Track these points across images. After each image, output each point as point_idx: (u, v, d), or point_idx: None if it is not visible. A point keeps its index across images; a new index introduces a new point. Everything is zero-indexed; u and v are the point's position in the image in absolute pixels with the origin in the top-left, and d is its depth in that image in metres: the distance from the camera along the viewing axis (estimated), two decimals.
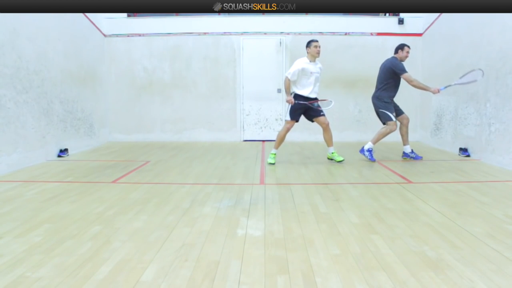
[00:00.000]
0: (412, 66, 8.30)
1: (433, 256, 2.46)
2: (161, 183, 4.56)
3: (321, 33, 8.25)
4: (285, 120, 5.74)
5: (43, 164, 5.69)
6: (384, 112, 5.89)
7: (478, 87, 6.01)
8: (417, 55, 8.29)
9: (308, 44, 5.57)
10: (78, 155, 6.62)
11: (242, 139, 8.46)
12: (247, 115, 8.45)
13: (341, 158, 5.75)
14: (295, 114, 5.62)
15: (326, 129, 5.70)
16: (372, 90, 8.29)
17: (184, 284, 2.13)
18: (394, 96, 6.06)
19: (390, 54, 8.23)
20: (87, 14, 7.41)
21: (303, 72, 5.48)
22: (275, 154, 5.78)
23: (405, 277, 2.18)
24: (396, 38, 8.29)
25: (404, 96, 8.35)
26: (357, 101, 8.43)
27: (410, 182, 4.54)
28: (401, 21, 8.21)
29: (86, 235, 2.85)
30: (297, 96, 5.55)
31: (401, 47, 5.99)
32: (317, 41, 5.59)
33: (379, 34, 8.28)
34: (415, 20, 8.21)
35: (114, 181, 4.62)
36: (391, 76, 5.88)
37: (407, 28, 8.26)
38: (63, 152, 6.37)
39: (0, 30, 5.05)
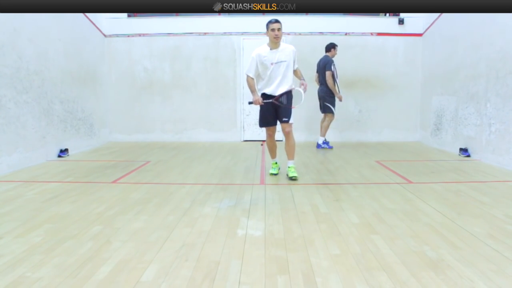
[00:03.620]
0: (412, 66, 8.34)
1: (433, 256, 2.46)
2: (162, 183, 4.57)
3: (321, 33, 8.25)
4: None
5: (43, 164, 5.69)
6: (328, 105, 6.99)
7: (479, 87, 6.01)
8: (417, 55, 8.30)
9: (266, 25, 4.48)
10: (78, 155, 6.62)
11: (242, 139, 8.46)
12: (247, 115, 8.45)
13: (294, 174, 4.60)
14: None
15: (287, 137, 4.64)
16: (372, 90, 8.39)
17: (184, 284, 2.13)
18: None
19: (390, 54, 8.34)
20: (87, 14, 7.42)
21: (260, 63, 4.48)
22: (276, 163, 5.00)
23: (405, 277, 2.18)
24: (396, 38, 8.32)
25: (404, 97, 8.39)
26: (357, 101, 8.43)
27: (410, 182, 4.54)
28: (401, 21, 8.21)
29: (86, 235, 2.85)
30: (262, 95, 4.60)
31: (333, 46, 7.13)
32: (276, 21, 4.35)
33: (379, 34, 8.28)
34: (415, 20, 8.20)
35: (114, 181, 4.62)
36: (323, 72, 6.99)
37: (407, 28, 8.26)
38: (63, 152, 6.37)
39: (0, 30, 5.06)
